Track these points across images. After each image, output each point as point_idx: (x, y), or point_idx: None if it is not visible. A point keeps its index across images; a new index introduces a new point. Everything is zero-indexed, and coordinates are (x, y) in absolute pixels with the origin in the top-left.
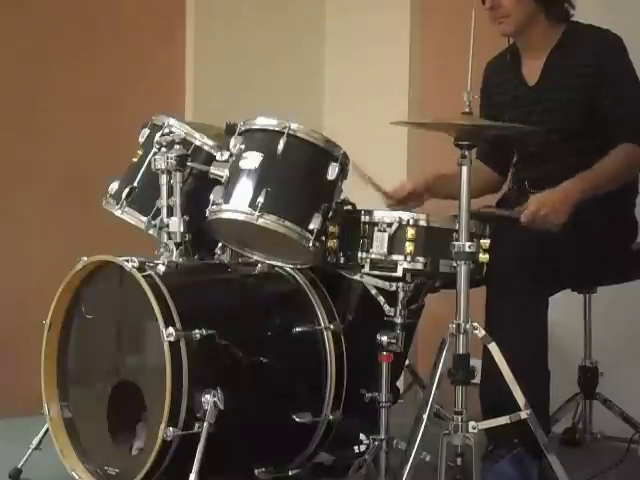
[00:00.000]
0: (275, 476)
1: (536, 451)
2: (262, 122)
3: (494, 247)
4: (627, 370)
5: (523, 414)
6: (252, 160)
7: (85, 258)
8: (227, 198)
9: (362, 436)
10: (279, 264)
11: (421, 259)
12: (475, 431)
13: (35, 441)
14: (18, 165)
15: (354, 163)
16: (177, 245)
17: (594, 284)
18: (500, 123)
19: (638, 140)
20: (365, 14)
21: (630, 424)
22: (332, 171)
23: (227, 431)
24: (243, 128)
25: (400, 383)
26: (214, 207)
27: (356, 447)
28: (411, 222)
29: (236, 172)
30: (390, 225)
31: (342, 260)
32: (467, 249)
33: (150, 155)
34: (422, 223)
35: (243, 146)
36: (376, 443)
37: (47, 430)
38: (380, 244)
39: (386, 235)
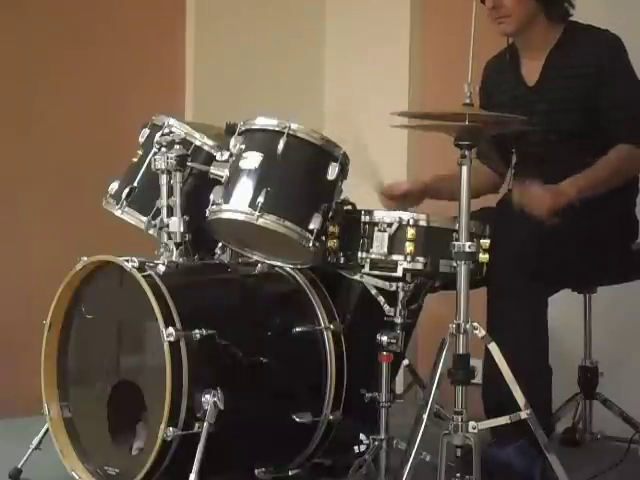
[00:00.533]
0: (275, 476)
1: (540, 447)
2: (262, 122)
3: (494, 247)
4: (627, 370)
5: (523, 414)
6: (252, 160)
7: (85, 258)
8: (227, 198)
9: (362, 436)
10: (279, 264)
11: (421, 259)
12: (475, 431)
13: (35, 441)
14: (18, 165)
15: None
16: (177, 245)
17: (594, 284)
18: (501, 114)
19: (636, 141)
20: (365, 14)
21: (630, 424)
22: (332, 171)
23: (227, 431)
24: (243, 128)
25: (400, 383)
26: (214, 207)
27: (356, 447)
28: (411, 222)
29: (236, 172)
30: (390, 225)
31: (342, 260)
32: (467, 249)
33: (150, 155)
34: (422, 223)
35: (243, 146)
36: (376, 443)
37: (47, 430)
38: (380, 244)
39: (386, 235)
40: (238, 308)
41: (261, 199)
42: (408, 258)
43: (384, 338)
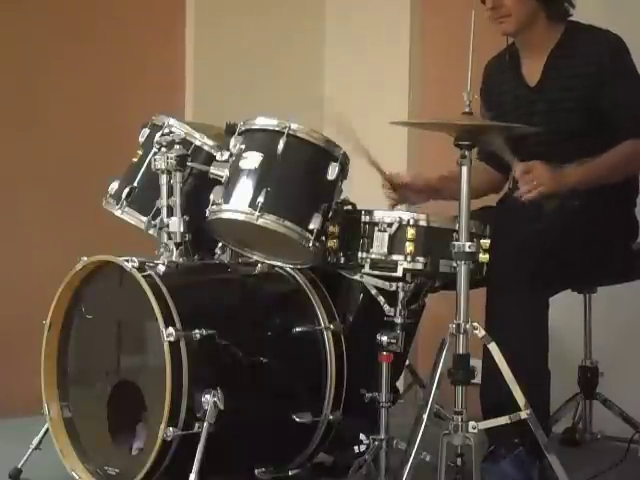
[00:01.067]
0: (275, 476)
1: (537, 451)
2: (262, 122)
3: (494, 247)
4: (627, 370)
5: (523, 414)
6: (252, 160)
7: (85, 258)
8: (227, 198)
9: (362, 436)
10: (279, 264)
11: (421, 259)
12: (475, 431)
13: (35, 441)
14: (18, 165)
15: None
16: (177, 245)
17: (594, 284)
18: (501, 123)
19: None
20: (365, 14)
21: (630, 424)
22: (332, 171)
23: (227, 431)
24: (243, 128)
25: (400, 383)
26: (214, 207)
27: (356, 447)
28: (411, 222)
29: (236, 172)
30: (390, 225)
31: (342, 260)
32: (467, 249)
33: (150, 155)
34: (422, 223)
35: (243, 146)
36: (376, 443)
37: (47, 430)
38: (380, 244)
39: (386, 235)
40: (238, 308)
41: (261, 199)
42: (408, 258)
43: (384, 338)
